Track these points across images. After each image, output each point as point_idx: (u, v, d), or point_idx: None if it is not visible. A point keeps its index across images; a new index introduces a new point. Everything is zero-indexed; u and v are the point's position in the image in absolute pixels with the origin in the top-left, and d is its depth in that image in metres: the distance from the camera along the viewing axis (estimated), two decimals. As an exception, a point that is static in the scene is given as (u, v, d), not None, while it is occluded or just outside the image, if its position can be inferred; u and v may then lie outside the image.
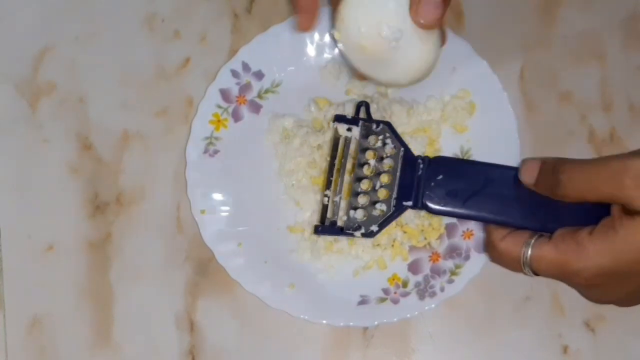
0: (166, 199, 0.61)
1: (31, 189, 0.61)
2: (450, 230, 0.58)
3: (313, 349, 0.58)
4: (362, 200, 0.55)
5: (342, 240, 0.58)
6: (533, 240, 0.48)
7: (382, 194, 0.54)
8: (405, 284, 0.57)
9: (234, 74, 0.60)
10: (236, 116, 0.60)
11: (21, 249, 0.61)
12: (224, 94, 0.60)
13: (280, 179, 0.60)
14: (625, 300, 0.49)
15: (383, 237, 0.58)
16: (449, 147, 0.59)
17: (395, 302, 0.57)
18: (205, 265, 0.59)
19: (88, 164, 0.61)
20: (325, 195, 0.56)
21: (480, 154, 0.58)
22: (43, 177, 0.62)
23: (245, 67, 0.60)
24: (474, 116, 0.59)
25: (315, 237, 0.58)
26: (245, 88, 0.60)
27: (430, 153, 0.58)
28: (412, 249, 0.58)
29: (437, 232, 0.58)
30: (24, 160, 0.62)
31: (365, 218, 0.54)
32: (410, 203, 0.53)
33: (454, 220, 0.58)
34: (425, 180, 0.53)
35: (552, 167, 0.48)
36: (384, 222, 0.54)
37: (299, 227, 0.59)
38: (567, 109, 0.61)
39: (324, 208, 0.56)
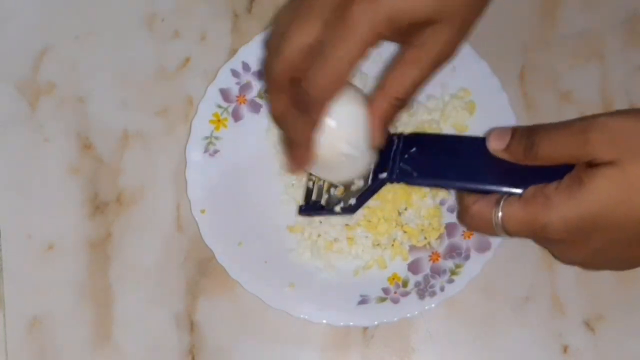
0: (166, 198, 0.61)
1: (31, 189, 0.62)
2: (450, 230, 0.58)
3: (313, 348, 0.58)
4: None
5: (342, 240, 0.58)
6: (503, 200, 0.49)
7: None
8: (405, 284, 0.57)
9: (234, 73, 0.60)
10: (236, 116, 0.60)
11: (21, 249, 0.61)
12: (224, 94, 0.60)
13: (280, 178, 0.60)
14: (591, 262, 0.50)
15: (383, 236, 0.58)
16: (449, 147, 0.60)
17: (395, 301, 0.56)
18: (205, 265, 0.59)
19: (88, 163, 0.62)
20: (310, 180, 0.57)
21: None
22: (43, 177, 0.62)
23: (246, 66, 0.60)
24: (474, 116, 0.59)
25: (315, 236, 0.58)
26: (245, 88, 0.60)
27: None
28: (412, 248, 0.58)
29: (437, 232, 0.58)
30: (24, 160, 0.62)
31: (344, 194, 0.55)
32: (384, 175, 0.54)
33: (454, 219, 0.58)
34: (400, 155, 0.54)
35: (526, 131, 0.49)
36: (362, 196, 0.54)
37: (299, 226, 0.59)
38: (567, 109, 0.61)
39: (309, 191, 0.57)
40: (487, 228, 0.50)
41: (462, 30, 0.49)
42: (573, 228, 0.46)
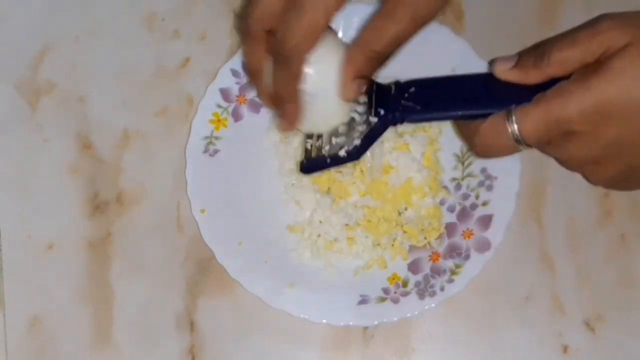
0: (166, 198, 0.61)
1: (31, 189, 0.62)
2: (450, 229, 0.58)
3: (313, 348, 0.58)
4: (342, 128, 0.53)
5: (342, 240, 0.58)
6: (513, 110, 0.48)
7: (360, 118, 0.53)
8: (405, 284, 0.57)
9: (234, 73, 0.60)
10: (236, 115, 0.60)
11: (21, 249, 0.61)
12: (224, 94, 0.60)
13: (280, 178, 0.60)
14: (603, 162, 0.48)
15: (383, 236, 0.58)
16: (449, 146, 0.60)
17: (395, 301, 0.56)
18: (205, 265, 0.59)
19: (88, 163, 0.62)
20: (307, 141, 0.55)
21: (480, 153, 0.59)
22: (43, 177, 0.62)
23: (246, 66, 0.60)
24: (474, 115, 0.60)
25: (315, 236, 0.58)
26: (245, 87, 0.60)
27: (430, 152, 0.58)
28: (412, 248, 0.58)
29: (437, 232, 0.58)
30: (24, 160, 0.62)
31: (346, 139, 0.53)
32: (386, 115, 0.51)
33: (454, 219, 0.58)
34: (397, 97, 0.52)
35: (533, 45, 0.48)
36: (365, 138, 0.52)
37: (299, 226, 0.59)
38: (567, 109, 0.61)
39: (307, 151, 0.55)
40: (501, 142, 0.48)
41: None
42: (589, 114, 0.45)
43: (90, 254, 0.60)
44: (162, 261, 0.60)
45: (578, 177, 0.59)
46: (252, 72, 0.52)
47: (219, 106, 0.60)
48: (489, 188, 0.58)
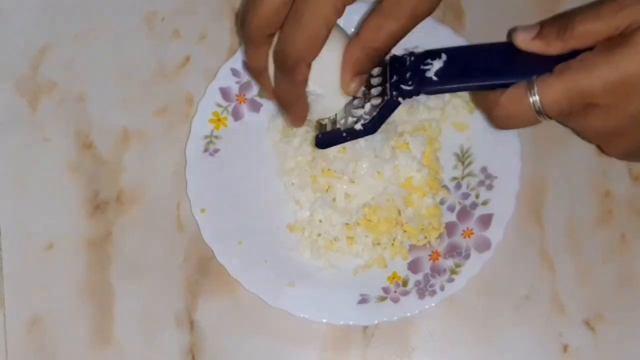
0: (166, 197, 0.61)
1: (31, 188, 0.62)
2: (450, 229, 0.58)
3: (313, 347, 0.58)
4: (357, 101, 0.52)
5: (342, 240, 0.58)
6: (535, 81, 0.47)
7: (376, 91, 0.52)
8: (405, 283, 0.57)
9: (234, 72, 0.60)
10: (236, 115, 0.60)
11: (21, 249, 0.61)
12: (224, 93, 0.60)
13: (280, 177, 0.60)
14: (623, 133, 0.48)
15: (383, 236, 0.58)
16: (449, 146, 0.60)
17: (395, 300, 0.56)
18: (206, 264, 0.59)
19: (88, 162, 0.62)
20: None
21: (480, 153, 0.59)
22: (43, 176, 0.62)
23: (248, 67, 0.60)
24: (474, 115, 0.59)
25: (315, 236, 0.58)
26: (245, 87, 0.60)
27: (431, 151, 0.58)
28: (412, 247, 0.58)
29: (437, 231, 0.58)
30: (24, 159, 0.62)
31: (362, 112, 0.52)
32: (405, 87, 0.50)
33: (454, 219, 0.58)
34: (413, 69, 0.51)
35: (557, 15, 0.48)
36: (381, 111, 0.51)
37: (299, 225, 0.59)
38: (567, 108, 0.61)
39: (322, 126, 0.54)
40: (522, 113, 0.48)
41: None
42: (613, 88, 0.45)
43: (90, 253, 0.60)
44: (162, 261, 0.60)
45: (578, 177, 0.60)
46: (255, 73, 0.52)
47: (219, 105, 0.60)
48: (489, 187, 0.58)
